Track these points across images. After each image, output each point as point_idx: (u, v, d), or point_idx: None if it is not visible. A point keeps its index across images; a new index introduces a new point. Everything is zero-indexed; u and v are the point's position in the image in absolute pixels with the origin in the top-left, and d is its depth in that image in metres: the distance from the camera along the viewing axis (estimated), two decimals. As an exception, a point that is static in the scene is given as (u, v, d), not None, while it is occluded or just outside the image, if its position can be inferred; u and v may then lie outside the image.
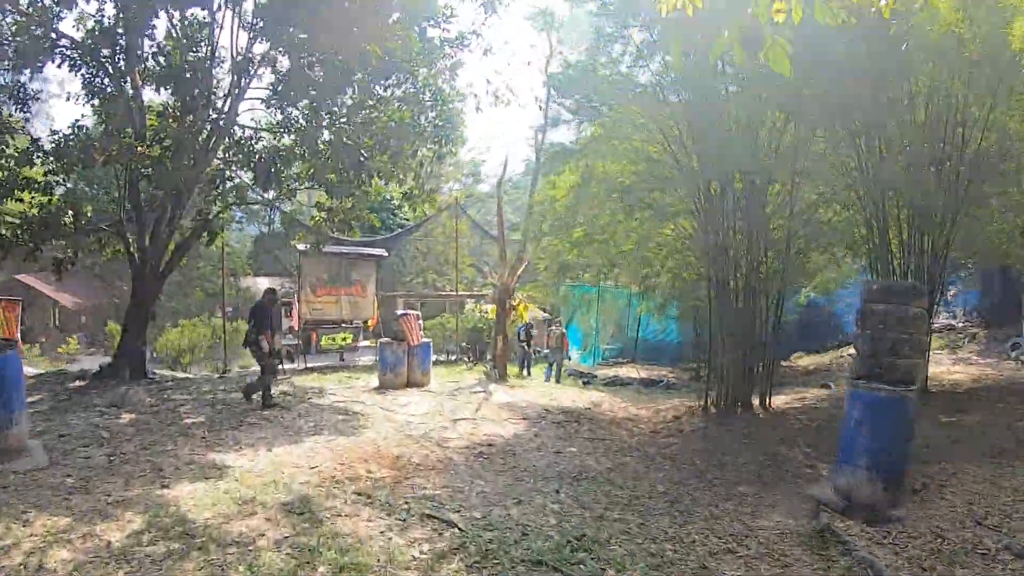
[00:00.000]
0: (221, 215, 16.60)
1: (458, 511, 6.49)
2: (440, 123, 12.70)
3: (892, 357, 7.22)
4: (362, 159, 11.88)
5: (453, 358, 21.70)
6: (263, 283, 32.33)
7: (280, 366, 12.49)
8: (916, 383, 7.39)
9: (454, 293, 25.55)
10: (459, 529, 5.90)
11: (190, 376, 16.10)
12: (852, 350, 19.80)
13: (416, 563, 5.24)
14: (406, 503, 6.55)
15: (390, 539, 5.65)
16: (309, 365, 18.64)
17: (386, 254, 21.13)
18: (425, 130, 12.81)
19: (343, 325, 20.69)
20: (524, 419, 11.42)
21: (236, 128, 14.56)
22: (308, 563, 5.07)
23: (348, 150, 11.85)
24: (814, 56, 8.60)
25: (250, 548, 5.28)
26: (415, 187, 14.26)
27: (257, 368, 11.75)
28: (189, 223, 15.72)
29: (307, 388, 13.89)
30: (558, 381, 19.09)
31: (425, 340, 15.11)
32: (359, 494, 6.71)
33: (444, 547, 5.57)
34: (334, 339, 20.28)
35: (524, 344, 19.71)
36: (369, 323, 21.36)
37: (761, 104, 10.59)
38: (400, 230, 28.99)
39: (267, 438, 9.18)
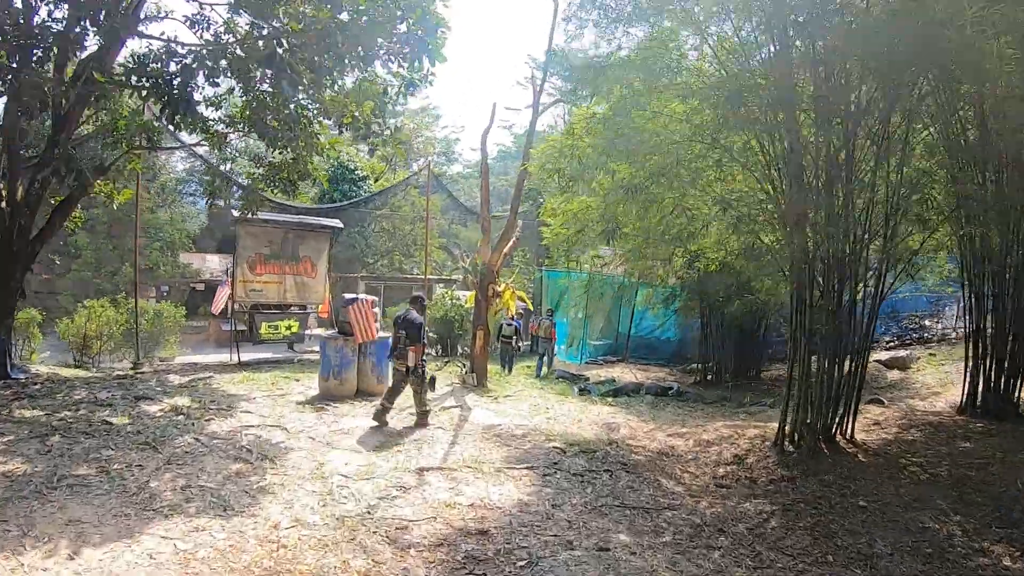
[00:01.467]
0: (128, 163, 12.07)
1: None
2: (415, 28, 8.14)
3: None
4: (281, 49, 7.29)
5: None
6: (213, 260, 27.57)
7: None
8: None
9: (422, 277, 21.00)
10: None
11: (78, 375, 11.43)
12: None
13: None
14: None
15: None
16: (243, 360, 14.12)
17: (340, 225, 16.47)
18: (391, 38, 8.26)
19: (293, 310, 16.11)
20: (527, 467, 7.02)
21: (139, 40, 10.04)
22: None
23: (266, 42, 7.28)
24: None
25: None
26: (375, 121, 9.74)
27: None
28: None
29: (220, 398, 9.47)
30: (538, 375, 15.30)
31: (382, 335, 10.70)
32: None
33: None
34: (276, 327, 15.67)
35: (510, 341, 15.34)
36: (320, 309, 16.76)
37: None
38: (362, 197, 24.21)
39: (84, 522, 4.80)
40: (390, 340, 11.02)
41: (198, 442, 6.82)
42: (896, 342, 17.50)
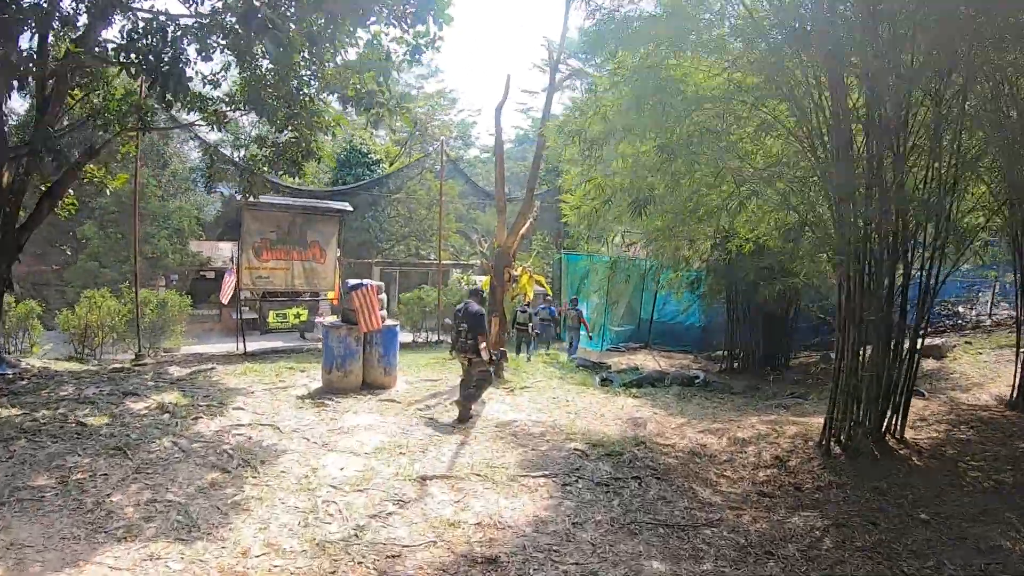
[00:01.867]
0: (122, 146, 11.34)
1: None
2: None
3: None
4: (259, 2, 6.44)
5: (434, 339, 16.48)
6: (225, 248, 26.96)
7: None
8: None
9: (436, 262, 20.20)
10: None
11: (71, 369, 10.73)
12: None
13: None
14: None
15: None
16: (250, 350, 13.43)
17: (350, 208, 15.69)
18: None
19: (305, 297, 15.40)
20: (544, 474, 6.18)
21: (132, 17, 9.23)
22: None
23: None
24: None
25: None
26: (379, 91, 8.87)
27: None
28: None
29: (215, 392, 8.75)
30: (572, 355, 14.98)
31: (390, 324, 9.90)
32: None
33: None
34: (285, 315, 14.97)
35: (526, 328, 14.56)
36: (331, 296, 16.03)
37: None
38: (372, 180, 23.30)
39: (28, 545, 4.07)
40: (397, 328, 10.29)
41: (176, 446, 6.07)
42: (928, 329, 16.49)
